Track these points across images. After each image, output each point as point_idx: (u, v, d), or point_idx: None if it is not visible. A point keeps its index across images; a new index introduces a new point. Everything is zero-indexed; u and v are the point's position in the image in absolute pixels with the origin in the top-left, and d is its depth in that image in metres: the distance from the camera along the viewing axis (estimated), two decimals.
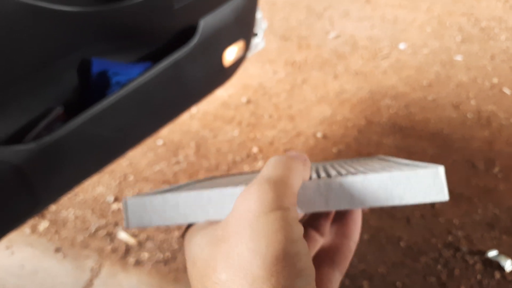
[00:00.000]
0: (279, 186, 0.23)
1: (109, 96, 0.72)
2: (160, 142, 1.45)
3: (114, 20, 0.69)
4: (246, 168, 1.34)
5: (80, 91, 0.76)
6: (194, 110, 1.57)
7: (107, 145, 0.79)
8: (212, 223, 0.25)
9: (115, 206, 1.23)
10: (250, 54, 1.10)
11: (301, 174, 0.26)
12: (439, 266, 1.04)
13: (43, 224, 1.21)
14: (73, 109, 0.74)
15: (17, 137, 0.68)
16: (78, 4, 0.63)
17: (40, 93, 0.72)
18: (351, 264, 1.05)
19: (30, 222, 1.21)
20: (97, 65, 0.74)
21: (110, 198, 1.26)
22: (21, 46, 0.60)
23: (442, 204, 1.19)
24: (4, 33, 0.56)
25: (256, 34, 1.18)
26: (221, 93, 1.65)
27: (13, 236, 1.18)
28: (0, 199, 0.64)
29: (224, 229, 0.23)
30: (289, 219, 0.22)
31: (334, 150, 1.39)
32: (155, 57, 0.82)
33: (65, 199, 1.27)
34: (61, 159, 0.71)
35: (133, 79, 0.75)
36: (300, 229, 0.23)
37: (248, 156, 1.38)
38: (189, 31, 0.84)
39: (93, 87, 0.75)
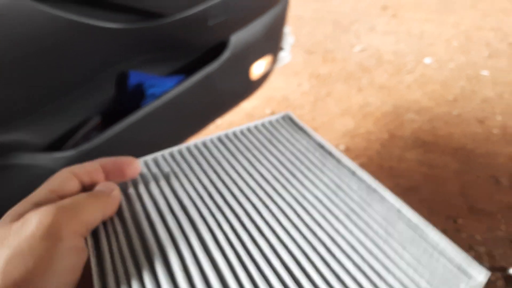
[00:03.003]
0: (63, 214, 0.23)
1: (144, 107, 0.77)
2: None
3: (153, 36, 0.74)
4: None
5: (116, 102, 0.81)
6: (219, 121, 1.62)
7: (139, 153, 0.83)
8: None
9: None
10: (275, 67, 1.14)
11: (99, 210, 0.26)
12: None
13: None
14: (109, 118, 0.79)
15: (56, 145, 0.73)
16: (122, 21, 0.67)
17: (80, 103, 0.76)
18: None
19: None
20: (134, 77, 0.79)
21: None
22: (66, 61, 0.64)
23: (464, 219, 1.19)
24: (51, 48, 0.60)
25: (282, 48, 1.22)
26: (246, 105, 1.69)
27: None
28: None
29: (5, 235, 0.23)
30: (56, 250, 0.22)
31: (356, 162, 1.40)
32: (188, 71, 0.87)
33: None
34: None
35: (167, 91, 0.80)
36: (67, 260, 0.22)
37: None
38: (221, 46, 0.88)
39: (129, 98, 0.80)
